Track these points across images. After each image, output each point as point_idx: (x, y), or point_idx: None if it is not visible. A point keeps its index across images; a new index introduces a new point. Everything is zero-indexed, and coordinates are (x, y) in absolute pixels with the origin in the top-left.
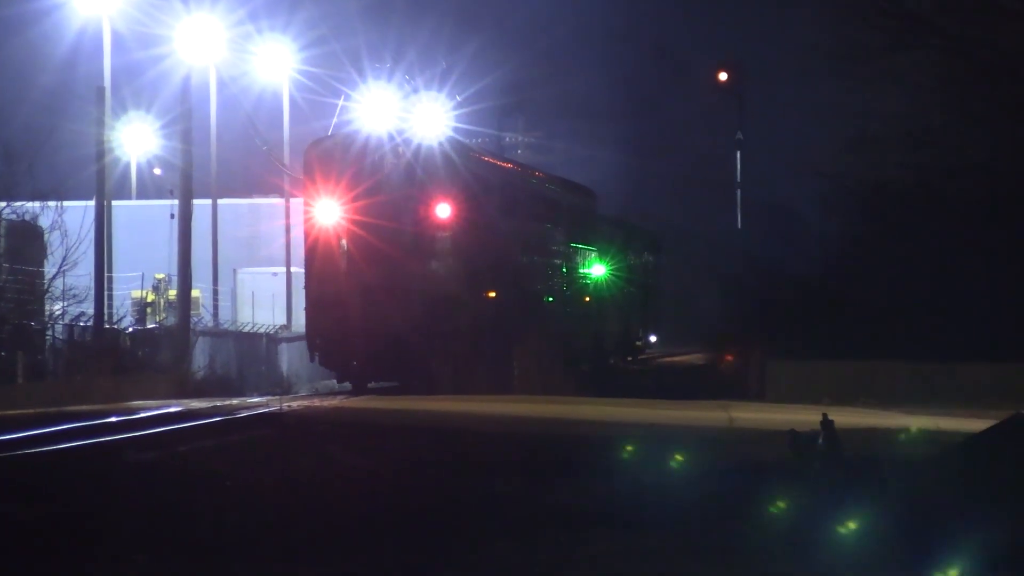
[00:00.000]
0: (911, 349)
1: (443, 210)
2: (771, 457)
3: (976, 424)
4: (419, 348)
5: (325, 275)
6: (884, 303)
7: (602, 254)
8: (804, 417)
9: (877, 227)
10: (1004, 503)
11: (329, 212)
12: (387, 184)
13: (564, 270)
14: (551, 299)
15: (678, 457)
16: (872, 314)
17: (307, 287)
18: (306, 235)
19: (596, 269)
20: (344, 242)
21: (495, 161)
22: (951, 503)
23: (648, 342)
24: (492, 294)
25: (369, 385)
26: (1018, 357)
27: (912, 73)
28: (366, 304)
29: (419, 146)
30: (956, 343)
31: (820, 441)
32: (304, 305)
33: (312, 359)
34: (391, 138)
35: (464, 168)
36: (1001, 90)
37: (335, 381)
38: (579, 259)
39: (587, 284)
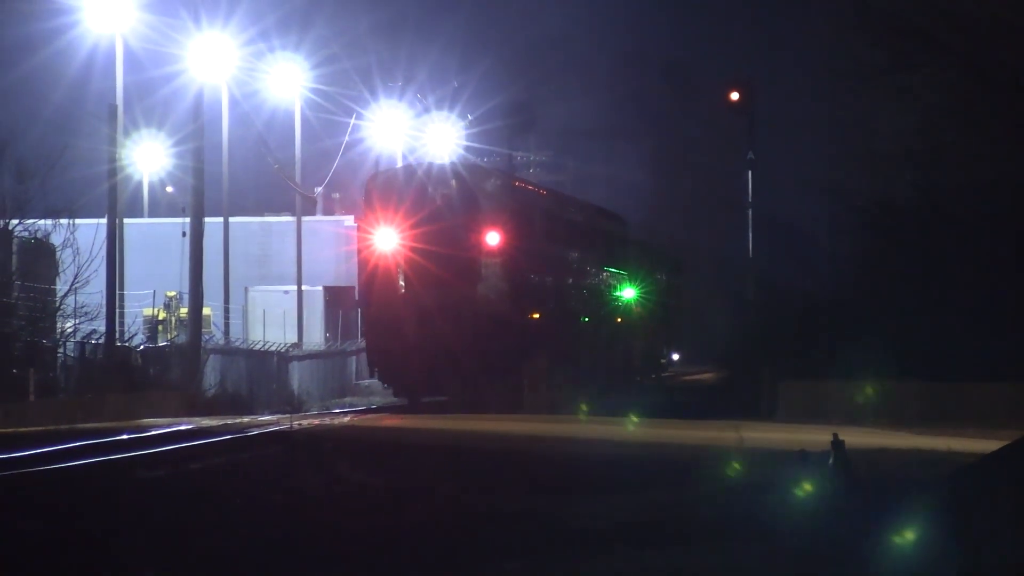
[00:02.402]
0: (922, 369)
1: (493, 238)
2: (781, 477)
3: (988, 445)
4: (470, 366)
5: (384, 298)
6: (894, 322)
7: (632, 277)
8: (814, 437)
9: (887, 246)
10: (1018, 524)
11: (388, 239)
12: (441, 213)
13: (599, 292)
14: (587, 319)
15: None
16: (882, 333)
17: (367, 309)
18: (366, 261)
19: (626, 291)
20: (401, 267)
21: (539, 191)
22: (963, 523)
23: (671, 360)
24: (536, 315)
25: (423, 400)
26: None
27: (922, 91)
28: (421, 325)
29: (471, 178)
30: (967, 363)
31: (830, 461)
32: (363, 326)
33: (371, 375)
34: (444, 170)
35: (512, 198)
36: (1011, 108)
37: (380, 395)
38: (612, 281)
39: (618, 305)
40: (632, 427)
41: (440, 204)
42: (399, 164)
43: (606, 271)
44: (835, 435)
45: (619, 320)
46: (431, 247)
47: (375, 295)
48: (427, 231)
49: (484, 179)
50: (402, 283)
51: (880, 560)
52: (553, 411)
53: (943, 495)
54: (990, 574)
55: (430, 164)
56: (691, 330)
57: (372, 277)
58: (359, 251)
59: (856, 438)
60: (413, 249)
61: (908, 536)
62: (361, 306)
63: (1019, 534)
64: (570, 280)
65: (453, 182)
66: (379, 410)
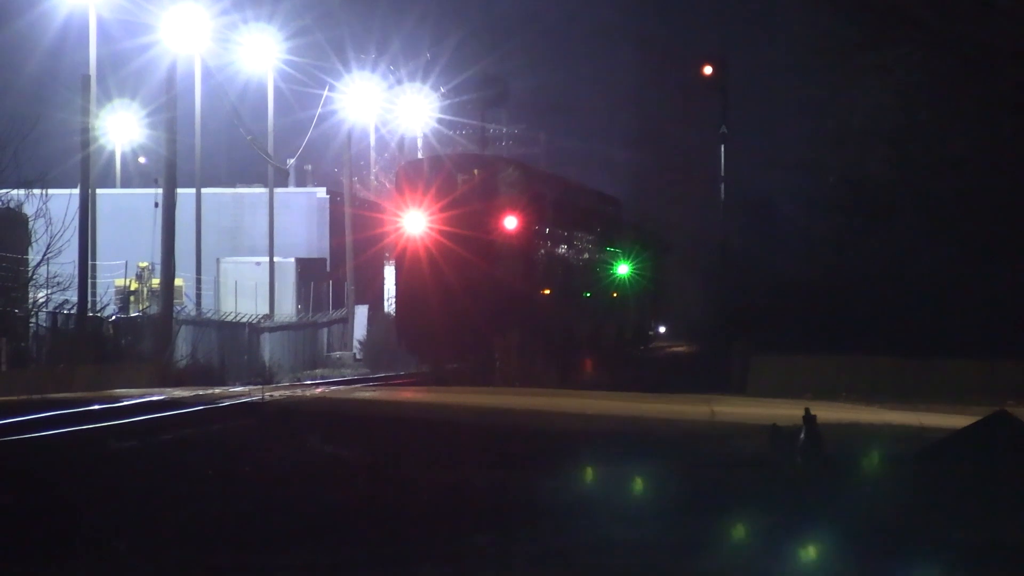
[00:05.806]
0: (894, 344)
1: (511, 222)
2: (752, 452)
3: (959, 420)
4: (488, 337)
5: (412, 275)
6: (867, 298)
7: (625, 255)
8: (786, 412)
9: (860, 222)
10: (987, 499)
11: (416, 222)
12: (464, 199)
13: (598, 270)
14: (588, 295)
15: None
16: (855, 309)
17: (396, 285)
18: (395, 242)
19: (620, 268)
20: (429, 247)
21: (551, 179)
22: (933, 499)
23: (658, 333)
24: (547, 291)
25: (447, 367)
26: (1002, 353)
27: (896, 68)
28: (445, 300)
29: (492, 168)
30: (939, 339)
31: (802, 436)
32: (394, 301)
33: (400, 345)
34: (468, 160)
35: (528, 186)
36: (985, 85)
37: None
38: (608, 260)
39: (613, 281)
40: (606, 400)
41: (463, 191)
42: (371, 138)
43: (604, 250)
44: (807, 410)
45: (614, 295)
46: (455, 230)
47: (404, 273)
48: (452, 215)
49: (503, 168)
50: (428, 262)
51: (849, 533)
52: (538, 383)
53: (914, 470)
54: (959, 548)
55: (455, 154)
56: (677, 304)
57: (402, 257)
58: (389, 232)
59: (828, 413)
60: (440, 232)
61: (877, 510)
62: (394, 282)
63: (987, 508)
64: (575, 259)
65: (476, 171)
66: (353, 381)
